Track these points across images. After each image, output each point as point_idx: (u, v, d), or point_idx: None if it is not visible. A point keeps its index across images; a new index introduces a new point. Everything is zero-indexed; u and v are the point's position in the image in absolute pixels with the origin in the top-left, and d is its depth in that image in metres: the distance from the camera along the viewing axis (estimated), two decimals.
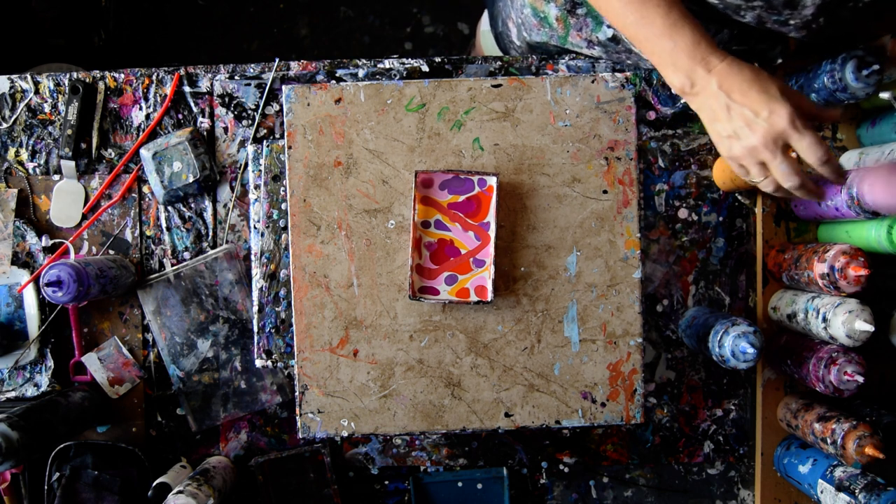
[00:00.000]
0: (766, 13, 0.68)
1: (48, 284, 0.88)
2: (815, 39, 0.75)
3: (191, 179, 0.98)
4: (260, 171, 0.97)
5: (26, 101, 1.01)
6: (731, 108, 0.64)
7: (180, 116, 1.01)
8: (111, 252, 1.01)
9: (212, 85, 1.01)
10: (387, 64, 1.01)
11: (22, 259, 1.00)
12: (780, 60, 0.71)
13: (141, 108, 1.01)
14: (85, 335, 1.01)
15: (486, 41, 1.27)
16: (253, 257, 0.97)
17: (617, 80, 0.91)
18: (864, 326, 0.82)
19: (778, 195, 0.69)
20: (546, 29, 0.95)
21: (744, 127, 0.65)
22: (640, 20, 0.65)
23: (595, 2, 0.67)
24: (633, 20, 0.65)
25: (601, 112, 0.91)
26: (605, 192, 0.91)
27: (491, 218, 0.89)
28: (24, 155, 1.01)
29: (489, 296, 0.89)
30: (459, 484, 1.02)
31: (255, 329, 0.96)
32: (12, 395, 1.00)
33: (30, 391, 1.00)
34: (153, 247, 1.01)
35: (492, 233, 0.89)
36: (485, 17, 1.30)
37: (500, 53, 1.17)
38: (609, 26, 0.85)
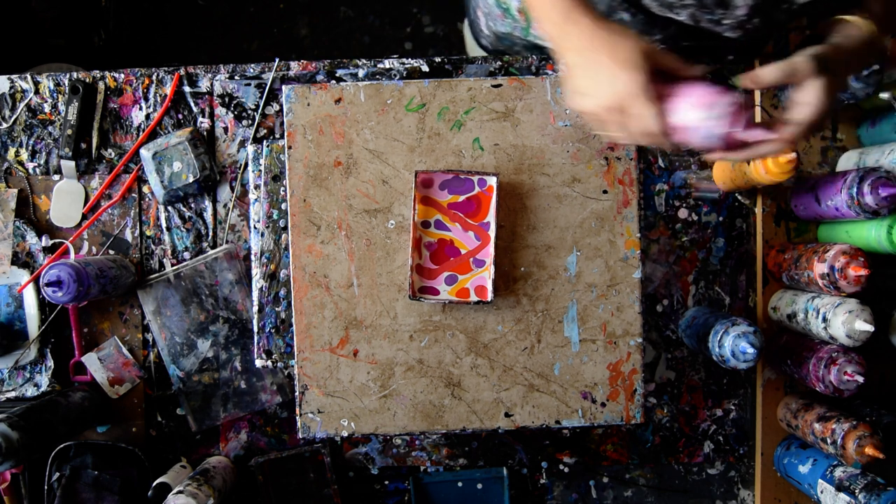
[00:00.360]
0: (700, 12, 0.69)
1: (48, 284, 0.88)
2: (752, 39, 0.76)
3: (191, 179, 0.98)
4: (260, 171, 0.97)
5: (26, 101, 1.01)
6: (588, 65, 0.65)
7: (180, 116, 1.01)
8: (111, 252, 1.01)
9: (212, 85, 1.01)
10: (387, 64, 1.01)
11: (22, 259, 1.00)
12: (730, 57, 0.71)
13: (141, 108, 1.01)
14: (85, 335, 1.01)
15: (467, 35, 1.28)
16: (253, 257, 0.97)
17: None
18: (864, 326, 0.82)
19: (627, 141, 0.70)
20: (509, 20, 0.96)
21: (594, 86, 0.65)
22: None
23: None
24: None
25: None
26: (605, 192, 0.91)
27: (491, 218, 0.89)
28: (24, 155, 1.01)
29: (489, 296, 0.89)
30: (459, 484, 1.02)
31: (255, 329, 0.96)
32: (12, 395, 1.00)
33: (30, 391, 1.00)
34: (153, 247, 1.01)
35: (492, 233, 0.89)
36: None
37: (479, 49, 1.18)
38: None
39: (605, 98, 0.66)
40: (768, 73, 0.67)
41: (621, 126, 0.67)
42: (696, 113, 0.64)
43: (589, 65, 0.66)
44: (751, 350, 0.83)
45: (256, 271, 0.96)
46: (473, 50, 1.22)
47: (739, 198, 1.02)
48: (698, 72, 0.67)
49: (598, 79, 0.66)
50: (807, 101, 0.66)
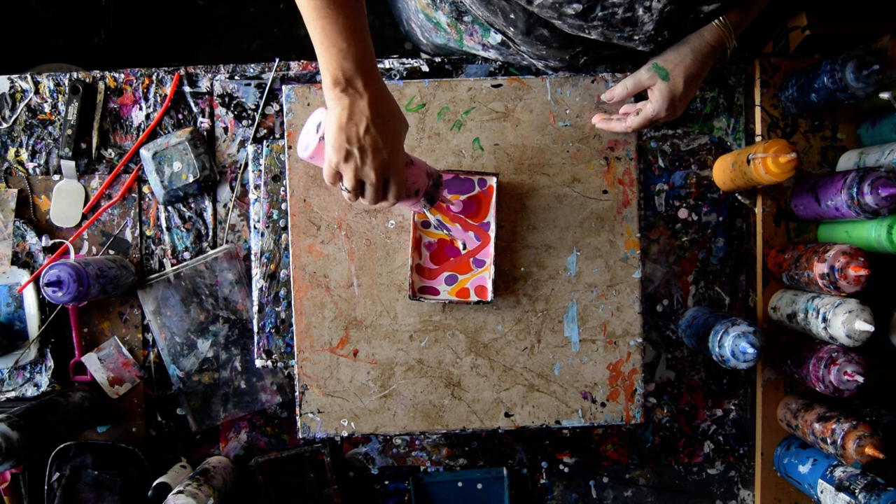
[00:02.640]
0: (609, 31, 0.73)
1: (48, 284, 0.88)
2: (661, 50, 0.81)
3: (191, 179, 0.98)
4: (260, 171, 0.97)
5: (26, 101, 1.01)
6: (367, 128, 0.68)
7: (180, 116, 1.01)
8: (111, 252, 1.01)
9: (212, 85, 1.01)
10: (387, 64, 1.01)
11: (22, 259, 1.00)
12: (642, 47, 0.75)
13: (141, 108, 1.01)
14: (85, 335, 1.01)
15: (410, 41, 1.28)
16: (253, 257, 0.97)
17: (617, 80, 0.91)
18: (864, 326, 0.82)
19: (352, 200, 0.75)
20: (442, 33, 0.97)
21: (366, 149, 0.69)
22: (326, 9, 0.67)
23: None
24: (319, 5, 0.67)
25: (601, 112, 0.91)
26: (605, 192, 0.91)
27: (491, 218, 0.89)
28: (24, 155, 1.01)
29: (489, 296, 0.89)
30: (459, 484, 1.02)
31: (255, 329, 0.96)
32: (12, 395, 1.00)
33: (30, 391, 1.00)
34: (153, 247, 1.01)
35: (492, 233, 0.89)
36: None
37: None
38: (497, 31, 0.88)
39: (374, 164, 0.71)
40: (620, 89, 0.86)
41: (348, 185, 0.73)
42: (417, 189, 0.79)
43: (345, 122, 0.70)
44: (751, 350, 0.83)
45: (256, 271, 0.96)
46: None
47: (739, 198, 1.02)
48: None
49: (377, 146, 0.70)
50: (651, 100, 0.83)
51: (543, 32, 0.82)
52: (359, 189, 0.72)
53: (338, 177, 0.71)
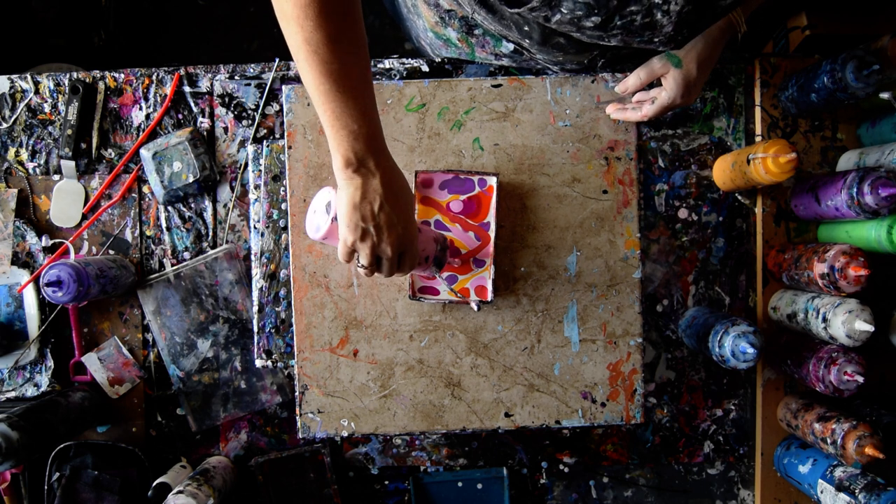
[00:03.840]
0: (628, 37, 0.73)
1: (48, 284, 0.88)
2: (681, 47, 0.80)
3: (191, 179, 0.98)
4: (260, 171, 0.97)
5: (26, 101, 1.01)
6: (381, 205, 0.70)
7: (180, 116, 1.01)
8: (111, 252, 1.01)
9: (212, 85, 1.01)
10: (387, 64, 1.01)
11: (22, 259, 1.00)
12: (662, 49, 0.75)
13: (141, 108, 1.01)
14: (85, 335, 1.01)
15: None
16: (253, 257, 0.97)
17: (617, 81, 0.91)
18: (864, 326, 0.82)
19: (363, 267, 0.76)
20: (452, 48, 0.97)
21: (381, 226, 0.70)
22: (336, 93, 0.67)
23: (295, 56, 0.69)
24: (329, 90, 0.67)
25: (601, 112, 0.91)
26: (605, 192, 0.91)
27: (491, 218, 0.89)
28: (24, 155, 1.01)
29: (489, 296, 0.89)
30: (459, 484, 1.02)
31: (255, 329, 0.96)
32: (12, 395, 1.00)
33: (30, 391, 1.00)
34: (153, 247, 1.01)
35: (492, 233, 0.89)
36: None
37: None
38: (509, 41, 0.88)
39: (389, 240, 0.72)
40: (633, 79, 0.87)
41: (368, 260, 0.74)
42: (426, 256, 0.81)
43: (362, 204, 0.71)
44: (751, 350, 0.83)
45: (256, 271, 0.96)
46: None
47: (739, 198, 1.02)
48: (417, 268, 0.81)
49: (391, 222, 0.72)
50: (665, 87, 0.84)
51: (560, 41, 0.82)
52: (375, 265, 0.73)
53: (353, 255, 0.73)
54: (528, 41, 0.83)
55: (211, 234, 1.01)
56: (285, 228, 0.95)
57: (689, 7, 0.68)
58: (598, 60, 0.88)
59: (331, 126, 0.68)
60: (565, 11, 0.68)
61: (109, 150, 1.01)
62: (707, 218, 1.02)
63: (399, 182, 0.72)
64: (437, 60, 1.01)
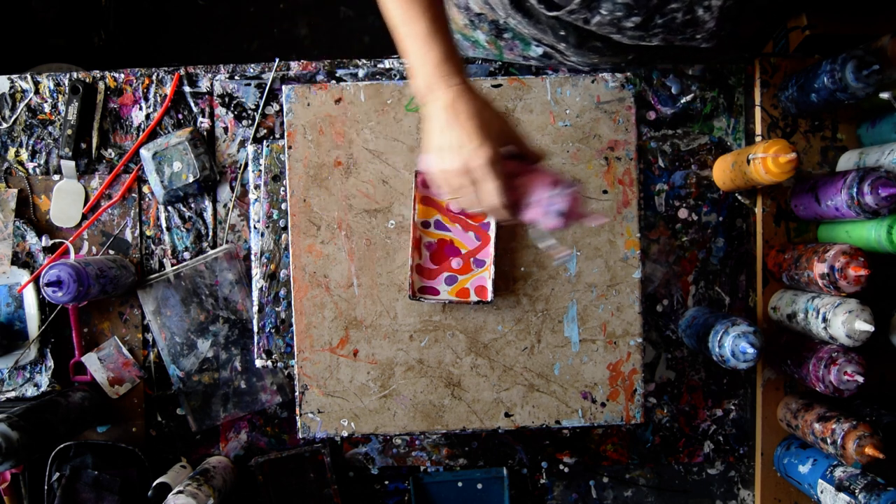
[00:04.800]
0: (670, 35, 0.72)
1: (48, 284, 0.88)
2: (724, 45, 0.79)
3: (191, 179, 0.98)
4: (260, 171, 0.97)
5: (26, 101, 1.01)
6: (449, 127, 0.68)
7: (180, 116, 1.01)
8: (111, 252, 1.01)
9: (212, 85, 1.01)
10: (387, 64, 1.01)
11: (22, 259, 1.00)
12: (705, 45, 0.74)
13: (141, 108, 1.01)
14: (85, 335, 1.01)
15: None
16: (253, 257, 0.97)
17: (617, 80, 0.91)
18: (864, 326, 0.82)
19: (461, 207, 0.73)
20: (480, 49, 0.97)
21: (448, 150, 0.68)
22: (406, 20, 0.69)
23: None
24: (400, 18, 0.69)
25: (601, 112, 0.91)
26: (605, 192, 0.91)
27: (491, 218, 0.89)
28: (24, 155, 1.01)
29: (489, 296, 0.89)
30: (459, 484, 1.02)
31: (255, 329, 0.96)
32: (12, 395, 1.00)
33: (30, 391, 1.00)
34: (153, 247, 1.01)
35: (492, 233, 0.89)
36: None
37: None
38: (543, 44, 0.88)
39: (455, 162, 0.68)
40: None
41: (469, 194, 0.70)
42: (543, 192, 0.69)
43: (449, 125, 0.68)
44: (751, 350, 0.83)
45: (256, 271, 0.96)
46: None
47: (739, 198, 1.02)
48: (543, 155, 0.73)
49: (452, 141, 0.68)
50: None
51: (596, 44, 0.81)
52: (483, 190, 0.70)
53: (456, 185, 0.70)
54: (563, 44, 0.82)
55: (211, 234, 1.01)
56: (285, 228, 0.95)
57: (730, 2, 0.66)
58: (635, 60, 0.87)
59: (416, 52, 0.69)
60: (605, 13, 0.67)
61: (109, 150, 1.01)
62: (707, 218, 1.02)
63: (483, 100, 0.70)
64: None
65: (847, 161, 0.98)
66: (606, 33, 0.72)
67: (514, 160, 0.71)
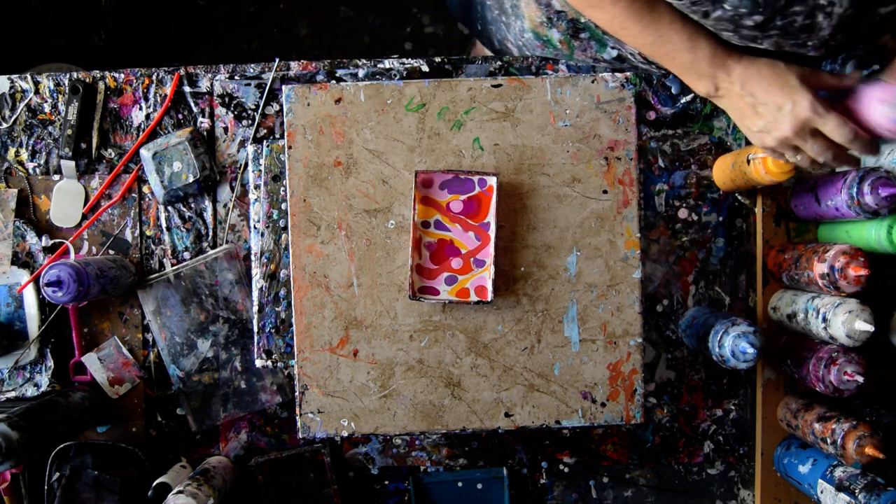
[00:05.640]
0: (784, 39, 0.71)
1: (48, 284, 0.88)
2: (830, 54, 0.78)
3: (191, 179, 0.98)
4: (260, 171, 0.97)
5: (26, 101, 1.01)
6: (756, 105, 0.69)
7: (180, 116, 1.01)
8: (111, 252, 1.01)
9: (212, 85, 1.01)
10: (387, 64, 1.01)
11: (22, 259, 1.00)
12: (812, 53, 0.73)
13: (141, 108, 1.01)
14: (85, 335, 1.01)
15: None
16: (253, 257, 0.97)
17: (617, 80, 0.91)
18: (864, 326, 0.82)
19: (816, 168, 0.74)
20: (550, 49, 0.96)
21: (772, 121, 0.69)
22: (659, 39, 0.70)
23: (613, 29, 0.73)
24: (653, 40, 0.70)
25: (601, 112, 0.91)
26: (605, 192, 0.91)
27: (491, 218, 0.89)
28: (24, 155, 1.01)
29: (489, 296, 0.89)
30: (459, 484, 1.02)
31: (255, 329, 0.96)
32: (12, 395, 1.00)
33: (30, 391, 1.00)
34: (153, 247, 1.01)
35: (492, 233, 0.89)
36: None
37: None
38: (613, 47, 0.87)
39: (788, 127, 0.69)
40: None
41: (818, 143, 0.70)
42: (886, 106, 0.69)
43: (757, 104, 0.70)
44: (751, 350, 0.83)
45: (256, 271, 0.96)
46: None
47: (739, 198, 1.02)
48: (856, 77, 0.72)
49: (773, 113, 0.70)
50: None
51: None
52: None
53: (802, 142, 0.70)
54: None
55: (211, 234, 1.01)
56: (285, 228, 0.95)
57: (851, 10, 0.66)
58: None
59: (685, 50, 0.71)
60: (728, 8, 0.67)
61: (109, 150, 1.01)
62: (707, 218, 1.02)
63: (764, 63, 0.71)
64: (528, 59, 1.01)
65: None
66: (721, 29, 0.72)
67: (827, 99, 0.72)
